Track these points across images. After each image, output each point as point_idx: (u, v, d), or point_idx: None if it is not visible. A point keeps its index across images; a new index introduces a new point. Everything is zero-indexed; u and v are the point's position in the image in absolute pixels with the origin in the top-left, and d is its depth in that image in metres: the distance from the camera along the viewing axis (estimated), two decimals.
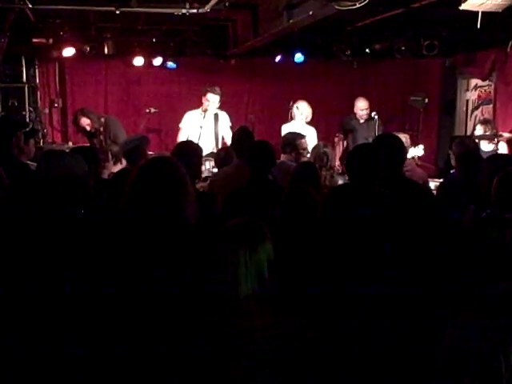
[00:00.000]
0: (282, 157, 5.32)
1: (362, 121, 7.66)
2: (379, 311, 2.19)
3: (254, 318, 1.84)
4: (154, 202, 2.34)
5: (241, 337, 1.82)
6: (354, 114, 7.79)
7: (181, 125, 7.30)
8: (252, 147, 4.29)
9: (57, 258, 2.66)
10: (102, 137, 6.79)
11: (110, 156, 5.06)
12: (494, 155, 4.91)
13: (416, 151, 6.44)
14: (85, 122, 6.82)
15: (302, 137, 5.52)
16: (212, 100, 7.06)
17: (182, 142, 4.67)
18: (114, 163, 5.65)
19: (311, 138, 6.61)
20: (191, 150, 3.95)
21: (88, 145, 6.67)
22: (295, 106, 7.31)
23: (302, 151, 5.32)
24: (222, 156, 5.31)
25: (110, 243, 2.37)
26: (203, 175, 5.95)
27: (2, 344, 2.38)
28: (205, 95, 7.12)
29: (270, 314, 1.86)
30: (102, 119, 6.98)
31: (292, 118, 7.33)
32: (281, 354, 1.81)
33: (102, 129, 6.82)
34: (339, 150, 7.58)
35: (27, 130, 4.50)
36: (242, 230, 1.93)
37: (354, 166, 3.25)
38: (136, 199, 2.37)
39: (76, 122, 7.00)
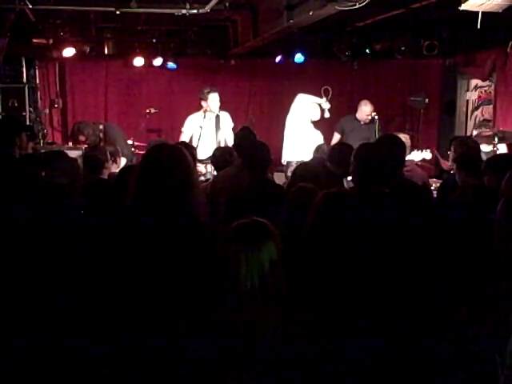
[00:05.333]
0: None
1: (362, 122, 7.61)
2: (379, 311, 2.19)
3: (254, 314, 1.84)
4: (161, 195, 2.34)
5: (241, 333, 1.83)
6: (355, 114, 7.75)
7: (183, 129, 7.23)
8: (248, 149, 4.33)
9: (63, 257, 2.66)
10: (102, 144, 6.89)
11: (108, 156, 5.06)
12: (497, 155, 4.92)
13: (424, 155, 6.42)
14: (82, 138, 7.23)
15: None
16: (216, 99, 7.00)
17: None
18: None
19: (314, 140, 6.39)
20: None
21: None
22: None
23: None
24: (223, 158, 5.19)
25: (117, 241, 2.37)
26: (205, 178, 5.95)
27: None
28: (206, 97, 7.05)
29: (270, 311, 1.86)
30: (101, 126, 7.11)
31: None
32: (280, 352, 1.82)
33: (101, 135, 6.95)
34: None
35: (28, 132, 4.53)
36: (246, 229, 1.93)
37: (359, 167, 3.27)
38: (142, 192, 2.37)
39: (74, 138, 7.31)
